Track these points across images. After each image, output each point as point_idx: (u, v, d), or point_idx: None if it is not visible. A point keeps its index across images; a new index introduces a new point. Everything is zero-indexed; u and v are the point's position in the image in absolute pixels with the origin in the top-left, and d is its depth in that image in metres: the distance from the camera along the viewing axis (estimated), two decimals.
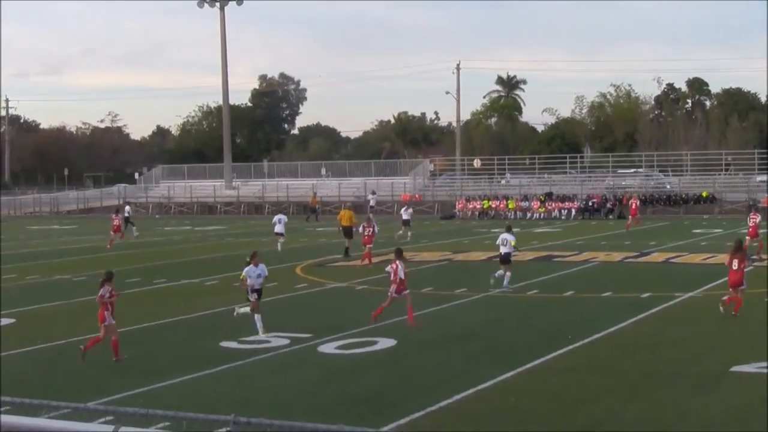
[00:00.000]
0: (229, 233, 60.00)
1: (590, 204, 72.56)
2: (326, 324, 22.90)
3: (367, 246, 37.01)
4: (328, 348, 20.05)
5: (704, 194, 72.38)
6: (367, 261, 36.69)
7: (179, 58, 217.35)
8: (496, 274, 29.24)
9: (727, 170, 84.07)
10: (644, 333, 21.53)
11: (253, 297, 22.01)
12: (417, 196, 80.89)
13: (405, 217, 51.79)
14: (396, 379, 17.31)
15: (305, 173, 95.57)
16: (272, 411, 14.87)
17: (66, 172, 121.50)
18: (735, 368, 17.23)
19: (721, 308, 23.20)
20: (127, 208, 60.68)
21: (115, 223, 50.65)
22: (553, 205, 72.81)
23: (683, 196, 73.41)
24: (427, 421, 14.48)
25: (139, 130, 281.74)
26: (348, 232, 41.03)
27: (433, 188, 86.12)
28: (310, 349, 19.99)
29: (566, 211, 72.12)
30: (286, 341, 20.79)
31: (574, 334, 20.75)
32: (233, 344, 20.66)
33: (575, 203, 72.79)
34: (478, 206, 75.65)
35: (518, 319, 24.04)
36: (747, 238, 35.93)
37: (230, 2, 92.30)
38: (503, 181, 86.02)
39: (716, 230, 52.95)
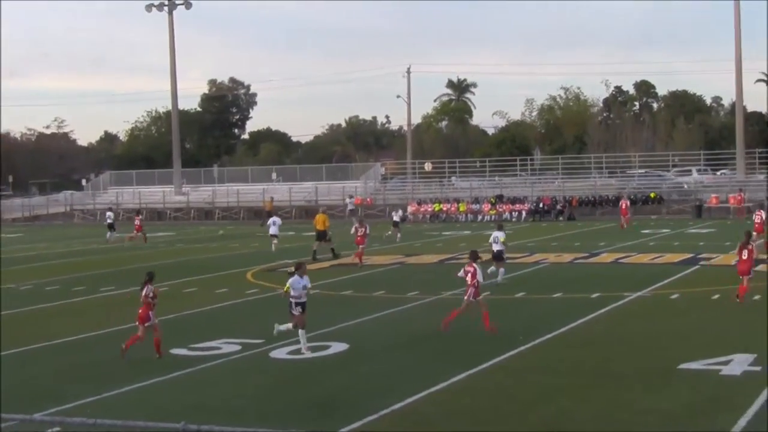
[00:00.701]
0: (178, 239, 59.60)
1: (540, 206, 72.95)
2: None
3: (360, 246, 37.73)
4: (280, 353, 19.97)
5: (652, 195, 72.99)
6: (358, 260, 37.53)
7: (127, 63, 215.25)
8: (489, 271, 29.52)
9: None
10: (595, 332, 21.67)
11: (297, 311, 20.25)
12: (368, 199, 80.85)
13: (395, 219, 53.39)
14: (349, 383, 17.28)
15: (256, 178, 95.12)
16: (225, 417, 14.81)
17: (10, 179, 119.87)
18: (683, 365, 17.38)
19: (738, 300, 24.18)
20: (109, 213, 60.54)
21: (136, 224, 54.40)
22: (504, 207, 73.02)
23: (632, 197, 73.93)
24: (381, 424, 14.47)
25: (86, 135, 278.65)
26: (322, 235, 41.52)
27: (384, 192, 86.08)
28: (262, 355, 19.90)
29: (517, 213, 72.43)
30: (238, 347, 20.68)
31: (526, 335, 20.84)
32: (183, 351, 20.52)
33: (525, 205, 73.11)
34: (430, 209, 75.72)
35: (470, 320, 24.00)
36: (755, 233, 35.96)
37: (179, 6, 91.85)
38: (455, 184, 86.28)
39: (664, 230, 53.46)
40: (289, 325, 20.47)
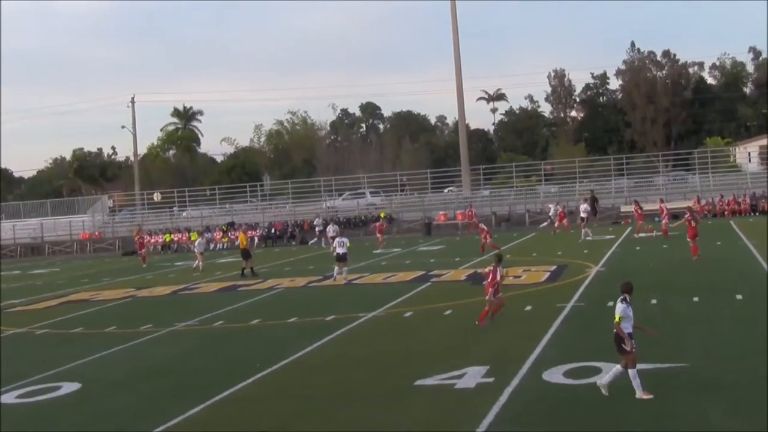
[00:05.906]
0: None
1: (272, 231, 73.10)
2: (5, 373, 21.81)
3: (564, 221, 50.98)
4: (8, 398, 19.07)
5: (382, 215, 74.40)
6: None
7: None
8: (335, 274, 36.51)
9: (402, 191, 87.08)
10: (330, 355, 21.79)
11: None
12: (96, 233, 78.84)
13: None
14: (84, 424, 16.67)
15: None
16: None
17: None
18: (419, 382, 17.68)
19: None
20: None
21: None
22: (236, 234, 72.66)
23: (362, 218, 75.22)
24: None
25: None
26: (245, 254, 44.19)
27: (113, 224, 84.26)
28: None
29: (249, 239, 72.20)
30: None
31: (262, 363, 20.70)
32: None
33: (258, 231, 73.10)
34: (160, 240, 74.60)
35: (206, 351, 23.77)
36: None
37: None
38: (184, 214, 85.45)
39: (395, 250, 54.56)
40: None
